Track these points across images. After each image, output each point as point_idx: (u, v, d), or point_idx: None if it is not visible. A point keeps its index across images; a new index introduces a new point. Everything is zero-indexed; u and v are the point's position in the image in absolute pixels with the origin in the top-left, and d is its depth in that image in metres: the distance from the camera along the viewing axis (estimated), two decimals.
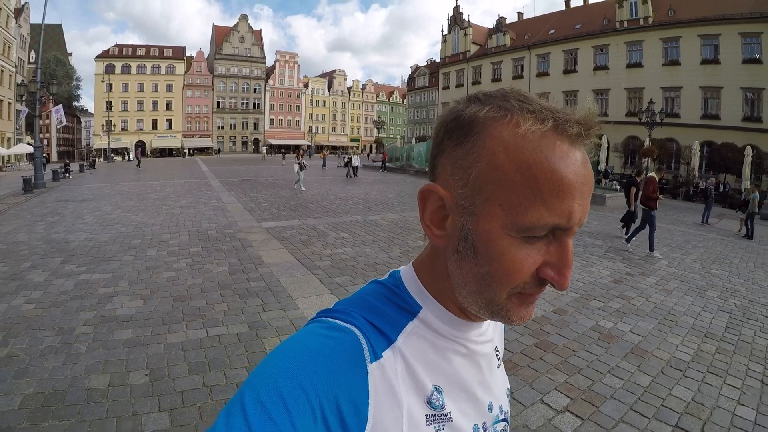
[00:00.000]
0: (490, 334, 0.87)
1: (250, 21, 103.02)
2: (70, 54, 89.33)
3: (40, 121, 69.18)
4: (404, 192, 24.64)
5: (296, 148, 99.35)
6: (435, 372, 0.74)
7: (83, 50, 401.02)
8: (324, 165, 46.44)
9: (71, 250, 9.81)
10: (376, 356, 0.69)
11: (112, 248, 9.98)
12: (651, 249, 12.34)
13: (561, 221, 0.63)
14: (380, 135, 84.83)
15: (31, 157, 59.69)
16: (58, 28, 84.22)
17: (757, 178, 35.17)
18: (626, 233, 13.61)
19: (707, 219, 20.80)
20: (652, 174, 13.19)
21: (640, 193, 13.27)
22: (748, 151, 32.85)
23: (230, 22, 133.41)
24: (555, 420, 4.27)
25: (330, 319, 0.73)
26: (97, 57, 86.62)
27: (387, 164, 44.78)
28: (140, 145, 79.28)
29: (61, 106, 36.99)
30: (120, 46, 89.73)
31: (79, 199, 19.18)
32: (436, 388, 0.73)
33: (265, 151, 76.52)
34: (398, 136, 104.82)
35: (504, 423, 0.88)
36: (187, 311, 6.32)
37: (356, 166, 36.09)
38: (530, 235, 0.64)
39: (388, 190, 25.53)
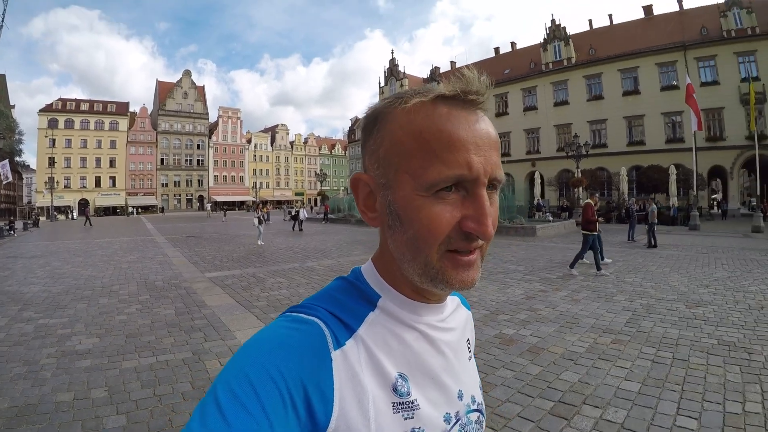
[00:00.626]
0: (454, 323, 0.91)
1: (194, 76, 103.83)
2: (13, 106, 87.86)
3: None
4: (343, 240, 25.46)
5: (241, 204, 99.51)
6: (398, 359, 0.77)
7: (25, 102, 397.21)
8: (267, 219, 46.91)
9: (27, 300, 10.50)
10: (339, 344, 0.73)
11: (65, 298, 10.70)
12: (598, 269, 13.03)
13: (462, 172, 0.70)
14: (324, 188, 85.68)
15: None
16: (1, 78, 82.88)
17: (684, 193, 38.26)
18: (598, 261, 13.76)
19: (632, 236, 22.55)
20: (588, 201, 14.11)
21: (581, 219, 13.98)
22: (672, 170, 36.00)
23: (174, 77, 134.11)
24: None
25: (294, 314, 0.78)
26: (40, 111, 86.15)
27: (330, 215, 45.71)
28: (84, 204, 78.61)
29: (7, 161, 36.72)
30: (64, 100, 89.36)
31: (27, 256, 19.67)
32: (401, 376, 0.76)
33: (209, 208, 76.07)
34: (341, 188, 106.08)
35: (478, 414, 0.92)
36: (139, 344, 7.18)
37: (302, 220, 35.47)
38: (437, 189, 0.71)
39: (328, 239, 26.31)
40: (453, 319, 0.91)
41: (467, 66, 0.76)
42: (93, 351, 6.86)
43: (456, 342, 0.89)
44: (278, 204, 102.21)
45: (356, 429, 0.68)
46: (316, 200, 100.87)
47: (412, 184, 0.72)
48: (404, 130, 0.74)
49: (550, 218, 33.33)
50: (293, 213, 38.67)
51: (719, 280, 11.82)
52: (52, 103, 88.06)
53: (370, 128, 0.81)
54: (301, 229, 34.39)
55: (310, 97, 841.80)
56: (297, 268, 15.14)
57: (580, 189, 37.37)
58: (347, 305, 0.80)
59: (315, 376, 0.67)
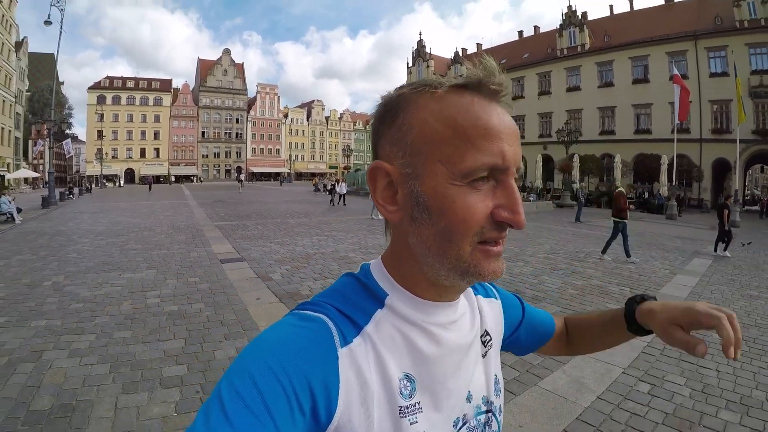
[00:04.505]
0: (467, 321, 0.89)
1: (239, 48, 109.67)
2: (62, 83, 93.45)
3: (36, 149, 74.72)
4: (331, 208, 30.99)
5: (277, 176, 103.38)
6: (404, 360, 0.76)
7: (72, 76, 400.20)
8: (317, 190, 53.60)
9: (98, 232, 17.12)
10: (346, 342, 0.72)
11: (122, 231, 17.34)
12: (627, 255, 13.24)
13: (496, 161, 0.69)
14: (357, 162, 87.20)
15: (27, 181, 65.97)
16: (51, 57, 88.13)
17: (688, 185, 41.10)
18: (724, 250, 14.64)
19: (579, 218, 25.66)
20: (621, 189, 14.48)
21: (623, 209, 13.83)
22: (664, 160, 36.12)
23: (219, 51, 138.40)
24: None
25: (302, 311, 0.77)
26: (89, 88, 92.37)
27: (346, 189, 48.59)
28: (130, 173, 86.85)
29: (69, 139, 42.80)
30: (111, 78, 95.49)
31: (89, 212, 26.54)
32: (407, 377, 0.75)
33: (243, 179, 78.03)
34: (366, 163, 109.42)
35: (487, 414, 0.90)
36: (161, 248, 13.63)
37: (341, 194, 32.99)
38: (473, 179, 0.69)
39: (321, 207, 32.04)
40: (466, 317, 0.90)
41: (486, 54, 0.77)
42: (138, 249, 13.38)
43: (467, 342, 0.86)
44: (313, 176, 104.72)
45: (358, 428, 0.68)
46: (343, 173, 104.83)
47: (446, 172, 0.70)
48: (436, 117, 0.72)
49: (531, 198, 37.15)
50: (329, 187, 39.00)
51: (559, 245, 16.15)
52: (100, 81, 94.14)
53: (391, 116, 0.77)
54: (337, 203, 33.07)
55: (354, 70, 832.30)
56: (277, 222, 21.40)
57: (571, 174, 39.61)
58: (355, 302, 0.79)
59: (320, 374, 0.66)
